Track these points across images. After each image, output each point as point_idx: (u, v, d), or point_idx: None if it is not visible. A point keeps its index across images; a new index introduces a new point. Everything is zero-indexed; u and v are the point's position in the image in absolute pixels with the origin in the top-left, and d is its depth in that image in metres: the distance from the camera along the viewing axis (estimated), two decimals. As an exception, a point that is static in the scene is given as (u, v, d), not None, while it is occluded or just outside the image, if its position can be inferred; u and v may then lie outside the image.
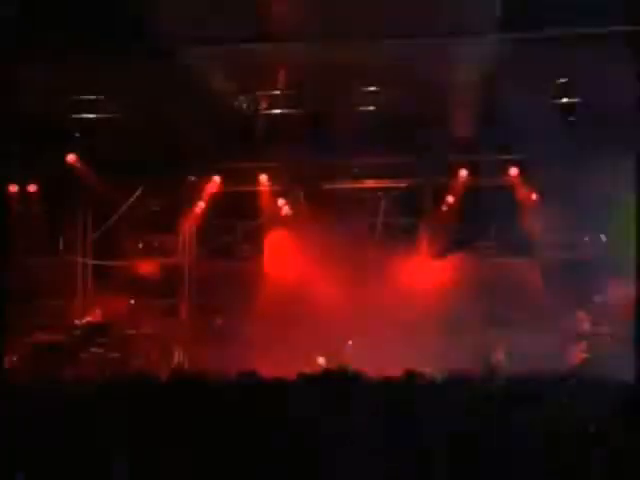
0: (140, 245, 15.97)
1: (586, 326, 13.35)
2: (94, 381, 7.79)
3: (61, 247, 15.98)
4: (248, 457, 5.63)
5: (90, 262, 16.02)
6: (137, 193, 15.82)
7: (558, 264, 14.90)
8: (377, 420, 6.40)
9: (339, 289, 14.47)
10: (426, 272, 14.62)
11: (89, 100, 13.55)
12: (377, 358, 12.32)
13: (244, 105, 13.43)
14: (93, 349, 14.37)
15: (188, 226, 15.99)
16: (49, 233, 15.72)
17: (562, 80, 12.51)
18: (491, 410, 6.78)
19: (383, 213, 15.83)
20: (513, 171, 15.03)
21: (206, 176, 15.90)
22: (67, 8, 10.73)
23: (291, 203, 15.75)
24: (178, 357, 15.08)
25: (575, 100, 12.66)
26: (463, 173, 15.26)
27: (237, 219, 16.10)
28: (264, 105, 13.44)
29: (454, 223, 15.45)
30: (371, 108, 13.29)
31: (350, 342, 14.29)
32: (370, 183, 16.02)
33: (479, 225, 15.54)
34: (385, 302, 14.38)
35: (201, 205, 15.85)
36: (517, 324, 13.89)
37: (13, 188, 15.16)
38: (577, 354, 12.69)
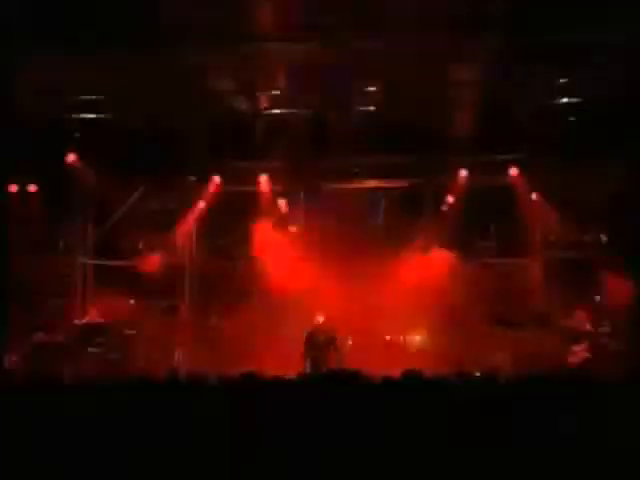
0: (140, 245, 15.95)
1: (586, 326, 13.33)
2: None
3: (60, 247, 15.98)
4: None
5: (90, 262, 16.01)
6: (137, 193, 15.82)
7: (558, 264, 14.90)
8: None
9: (338, 288, 14.48)
10: (425, 271, 14.60)
11: (89, 100, 13.54)
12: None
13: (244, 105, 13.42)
14: (92, 349, 14.32)
15: (188, 226, 15.96)
16: (49, 233, 15.70)
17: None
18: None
19: (383, 213, 15.83)
20: (513, 171, 15.01)
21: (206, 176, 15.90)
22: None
23: (291, 203, 15.76)
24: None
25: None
26: (463, 173, 15.24)
27: (237, 219, 16.07)
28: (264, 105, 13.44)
29: (454, 223, 15.43)
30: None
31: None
32: (370, 183, 16.02)
33: (479, 225, 15.54)
34: (385, 301, 14.40)
35: (201, 205, 15.84)
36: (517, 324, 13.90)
37: (13, 188, 15.12)
38: (577, 354, 12.69)
